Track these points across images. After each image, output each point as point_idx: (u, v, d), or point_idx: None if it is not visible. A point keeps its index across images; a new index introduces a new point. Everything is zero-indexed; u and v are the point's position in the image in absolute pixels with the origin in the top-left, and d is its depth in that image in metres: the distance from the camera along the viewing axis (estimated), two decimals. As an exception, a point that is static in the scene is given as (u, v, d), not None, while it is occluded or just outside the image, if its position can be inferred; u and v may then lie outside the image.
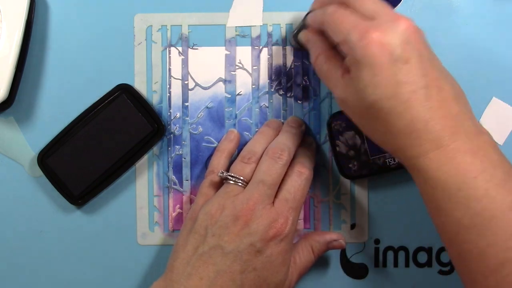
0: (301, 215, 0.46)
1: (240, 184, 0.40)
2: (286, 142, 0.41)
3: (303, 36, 0.42)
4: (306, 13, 0.41)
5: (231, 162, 0.44)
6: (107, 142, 0.44)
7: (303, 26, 0.42)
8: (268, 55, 0.46)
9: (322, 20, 0.38)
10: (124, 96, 0.44)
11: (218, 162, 0.44)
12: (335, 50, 0.38)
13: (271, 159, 0.40)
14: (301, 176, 0.41)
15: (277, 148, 0.41)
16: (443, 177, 0.34)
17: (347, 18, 0.36)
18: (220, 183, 0.42)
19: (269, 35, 0.46)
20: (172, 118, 0.46)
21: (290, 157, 0.41)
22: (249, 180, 0.40)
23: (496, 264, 0.32)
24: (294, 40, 0.44)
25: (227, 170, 0.42)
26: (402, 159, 0.36)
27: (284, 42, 0.46)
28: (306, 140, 0.45)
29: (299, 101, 0.46)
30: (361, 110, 0.35)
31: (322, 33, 0.39)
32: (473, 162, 0.33)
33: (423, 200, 0.36)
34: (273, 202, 0.40)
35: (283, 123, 0.45)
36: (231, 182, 0.41)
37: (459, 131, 0.34)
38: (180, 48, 0.46)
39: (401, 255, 0.46)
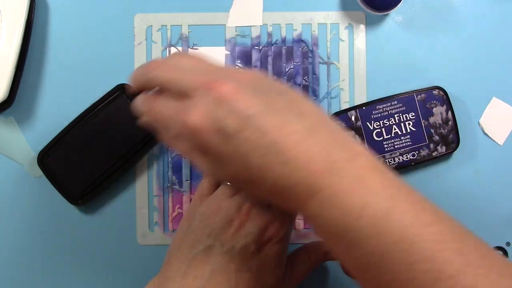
0: (301, 215, 0.46)
1: None
2: None
3: None
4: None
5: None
6: (107, 142, 0.44)
7: None
8: (268, 55, 0.46)
9: (148, 117, 0.34)
10: (124, 96, 0.44)
11: None
12: None
13: None
14: None
15: None
16: (327, 223, 0.31)
17: (164, 110, 0.33)
18: (218, 184, 0.42)
19: (269, 35, 0.46)
20: (172, 118, 0.46)
21: None
22: None
23: None
24: None
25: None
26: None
27: (283, 42, 0.46)
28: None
29: (299, 101, 0.46)
30: (231, 180, 0.35)
31: None
32: (351, 201, 0.30)
33: None
34: (270, 205, 0.40)
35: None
36: (228, 183, 0.41)
37: (326, 170, 0.30)
38: (180, 48, 0.46)
39: (401, 255, 0.46)
